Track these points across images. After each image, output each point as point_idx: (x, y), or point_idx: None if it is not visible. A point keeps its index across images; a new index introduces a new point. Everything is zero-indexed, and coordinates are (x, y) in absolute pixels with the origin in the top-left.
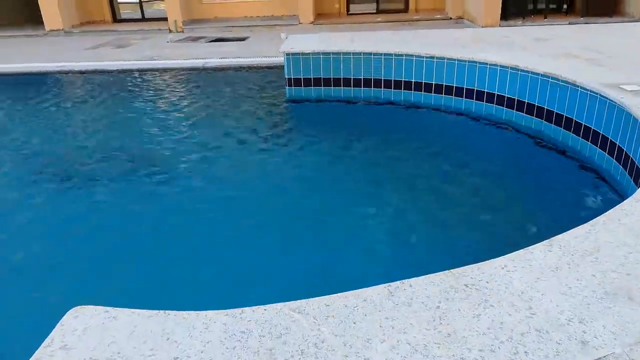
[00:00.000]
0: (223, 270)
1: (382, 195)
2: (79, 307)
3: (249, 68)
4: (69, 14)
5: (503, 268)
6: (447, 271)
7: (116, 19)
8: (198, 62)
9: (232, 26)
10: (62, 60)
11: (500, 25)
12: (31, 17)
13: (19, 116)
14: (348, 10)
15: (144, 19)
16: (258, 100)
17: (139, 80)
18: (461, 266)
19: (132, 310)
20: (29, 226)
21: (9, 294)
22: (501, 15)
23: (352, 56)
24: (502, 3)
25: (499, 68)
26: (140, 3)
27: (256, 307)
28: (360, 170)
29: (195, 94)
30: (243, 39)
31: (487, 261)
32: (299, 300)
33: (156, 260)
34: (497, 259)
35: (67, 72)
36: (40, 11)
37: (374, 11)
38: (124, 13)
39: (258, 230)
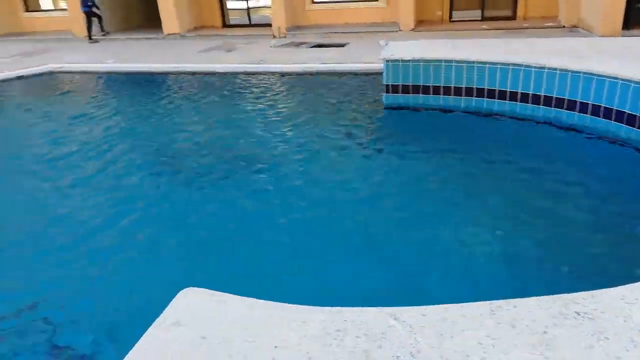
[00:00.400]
0: (316, 269)
1: (480, 209)
2: (189, 288)
3: (348, 74)
4: (185, 20)
5: (622, 299)
6: (555, 295)
7: (225, 24)
8: (299, 67)
9: (333, 32)
10: (179, 61)
11: (621, 35)
12: (153, 22)
13: (140, 112)
14: (451, 17)
15: (250, 25)
16: (355, 106)
17: (244, 82)
18: (571, 292)
19: (237, 296)
20: (147, 213)
21: (127, 272)
22: (623, 23)
23: (453, 64)
24: (625, 10)
25: (620, 82)
26: (248, 10)
27: (354, 308)
28: (457, 181)
29: (295, 97)
30: (342, 45)
31: (602, 290)
32: (396, 307)
33: (254, 251)
34: (614, 288)
35: (181, 73)
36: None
37: (479, 18)
38: (233, 19)
39: (350, 234)
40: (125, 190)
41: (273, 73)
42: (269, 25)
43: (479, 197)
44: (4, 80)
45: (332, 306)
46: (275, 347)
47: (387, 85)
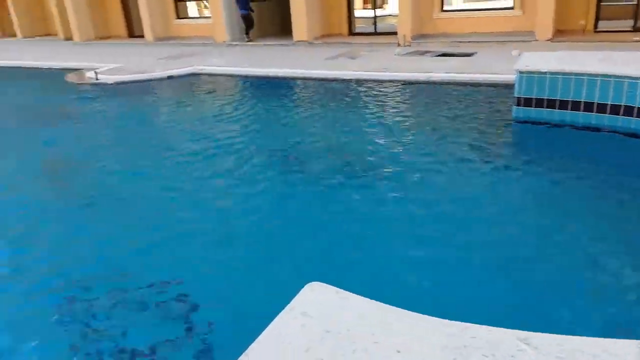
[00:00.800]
0: (436, 282)
1: (625, 245)
2: (315, 283)
3: (473, 84)
4: (313, 27)
5: None
6: None
7: (351, 32)
8: (422, 75)
9: (460, 41)
10: (306, 67)
11: None
12: (285, 30)
13: (269, 113)
14: (595, 27)
15: (375, 33)
16: (479, 117)
17: (366, 89)
18: None
19: (359, 296)
20: (273, 208)
21: (251, 264)
22: None
23: (599, 78)
24: None
25: None
26: (375, 18)
27: (481, 325)
28: (593, 209)
29: (418, 106)
30: (470, 55)
31: None
32: (528, 332)
33: (372, 258)
34: None
35: (307, 78)
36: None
37: (630, 29)
38: (358, 27)
39: (475, 252)
40: (253, 186)
41: (396, 81)
42: (394, 33)
43: (623, 230)
44: (157, 79)
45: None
46: (398, 351)
47: (519, 98)
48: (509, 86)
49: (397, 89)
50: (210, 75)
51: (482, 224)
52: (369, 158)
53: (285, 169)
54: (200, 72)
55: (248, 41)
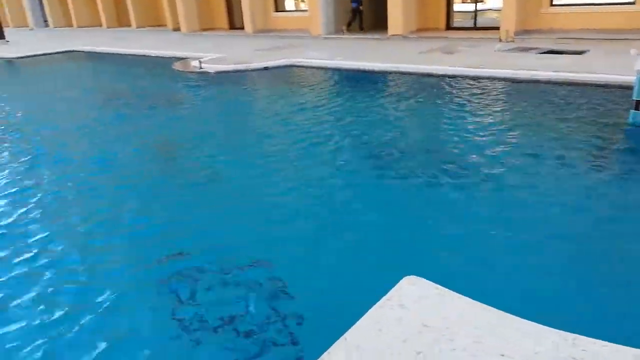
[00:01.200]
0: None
1: None
2: (413, 276)
3: (583, 84)
4: (409, 21)
5: None
6: None
7: (449, 27)
8: (525, 74)
9: (569, 38)
10: (399, 61)
11: None
12: (381, 23)
13: (359, 106)
14: None
15: (474, 28)
16: (588, 120)
17: (461, 85)
18: None
19: (455, 293)
20: (362, 201)
21: (350, 256)
22: None
23: None
24: None
25: None
26: (475, 12)
27: (594, 339)
28: None
29: (519, 106)
30: (580, 53)
31: None
32: None
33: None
34: None
35: (399, 73)
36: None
37: None
38: (457, 22)
39: (587, 263)
40: (349, 177)
41: (495, 78)
42: (496, 28)
43: None
44: (254, 70)
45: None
46: (502, 355)
47: (638, 102)
48: (624, 88)
49: (495, 87)
50: (304, 67)
51: (589, 232)
52: (459, 157)
53: (379, 163)
54: (295, 64)
55: (346, 33)
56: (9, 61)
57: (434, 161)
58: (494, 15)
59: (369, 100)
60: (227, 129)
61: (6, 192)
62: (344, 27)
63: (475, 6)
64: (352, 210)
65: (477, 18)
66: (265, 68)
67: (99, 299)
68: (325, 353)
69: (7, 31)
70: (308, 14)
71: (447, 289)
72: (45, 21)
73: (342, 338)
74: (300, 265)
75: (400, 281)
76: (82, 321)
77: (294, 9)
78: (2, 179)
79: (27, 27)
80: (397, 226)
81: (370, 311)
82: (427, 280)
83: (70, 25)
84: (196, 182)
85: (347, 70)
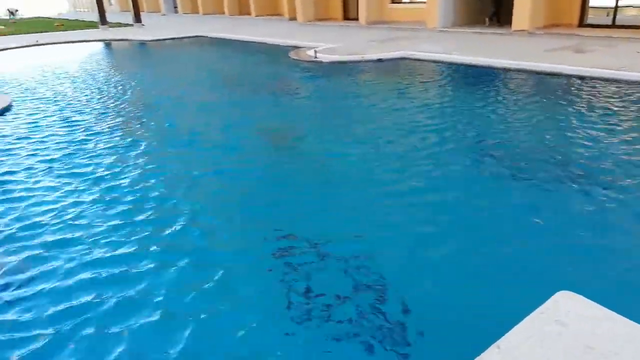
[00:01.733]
0: None
1: None
2: (568, 292)
3: None
4: (537, 15)
5: None
6: None
7: (582, 24)
8: None
9: None
10: (521, 59)
11: None
12: (506, 17)
13: (473, 103)
14: None
15: (612, 26)
16: None
17: (593, 88)
18: None
19: (614, 312)
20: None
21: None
22: None
23: None
24: None
25: None
26: (615, 8)
27: None
28: None
29: None
30: None
31: None
32: None
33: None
34: None
35: (520, 70)
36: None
37: None
38: (591, 18)
39: None
40: (443, 178)
41: (635, 82)
42: (638, 27)
43: None
44: (367, 61)
45: None
46: None
47: None
48: None
49: (628, 93)
50: (419, 60)
51: None
52: (584, 166)
53: (497, 164)
54: (410, 56)
55: (490, 25)
56: (143, 43)
57: (558, 167)
58: (636, 12)
59: (485, 98)
60: (339, 119)
61: (138, 170)
62: (487, 20)
63: (616, 1)
64: (467, 211)
65: (617, 14)
66: (379, 60)
67: (219, 268)
68: (477, 358)
69: (142, 15)
70: (425, 6)
71: (609, 310)
72: (175, 7)
73: (494, 346)
74: (409, 264)
75: (554, 295)
76: (206, 286)
77: (411, 0)
78: (137, 157)
79: (159, 12)
80: (519, 233)
81: (522, 323)
82: (582, 297)
83: (197, 12)
84: (307, 170)
85: (464, 65)
